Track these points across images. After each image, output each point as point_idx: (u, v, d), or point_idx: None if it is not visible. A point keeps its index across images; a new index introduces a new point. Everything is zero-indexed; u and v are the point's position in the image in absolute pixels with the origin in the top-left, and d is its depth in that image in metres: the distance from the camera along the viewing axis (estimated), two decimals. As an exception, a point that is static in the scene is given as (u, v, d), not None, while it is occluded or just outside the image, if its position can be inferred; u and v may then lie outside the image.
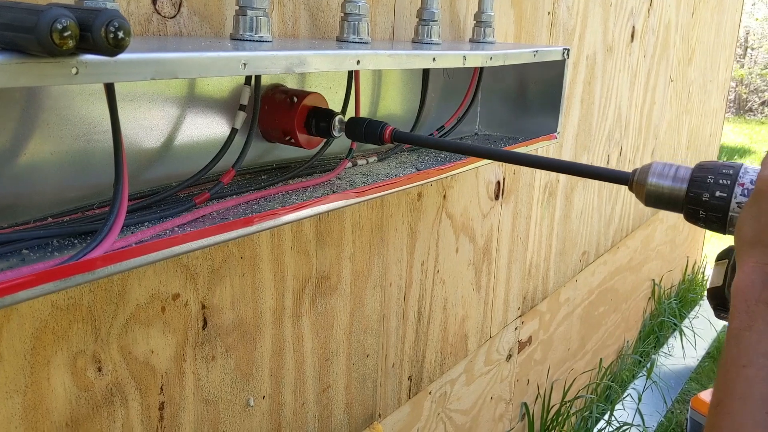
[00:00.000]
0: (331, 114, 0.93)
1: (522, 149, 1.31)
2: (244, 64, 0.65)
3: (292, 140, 0.94)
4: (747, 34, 14.85)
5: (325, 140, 1.00)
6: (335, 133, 0.93)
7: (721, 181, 0.66)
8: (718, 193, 0.65)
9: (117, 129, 0.62)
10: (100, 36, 0.48)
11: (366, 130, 0.93)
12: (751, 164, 0.68)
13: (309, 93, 0.92)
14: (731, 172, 0.66)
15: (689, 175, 0.68)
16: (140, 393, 0.86)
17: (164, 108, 0.81)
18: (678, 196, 0.69)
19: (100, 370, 0.80)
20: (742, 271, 0.59)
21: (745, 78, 14.48)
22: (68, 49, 0.47)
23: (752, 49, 15.17)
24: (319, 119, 0.93)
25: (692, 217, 0.68)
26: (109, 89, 0.61)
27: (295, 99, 0.92)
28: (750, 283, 0.57)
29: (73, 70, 0.51)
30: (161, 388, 0.88)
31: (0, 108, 0.65)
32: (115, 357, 0.82)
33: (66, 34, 0.46)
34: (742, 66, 14.65)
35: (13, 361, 0.71)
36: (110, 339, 0.81)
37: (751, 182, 0.64)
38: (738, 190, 0.65)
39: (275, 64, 0.69)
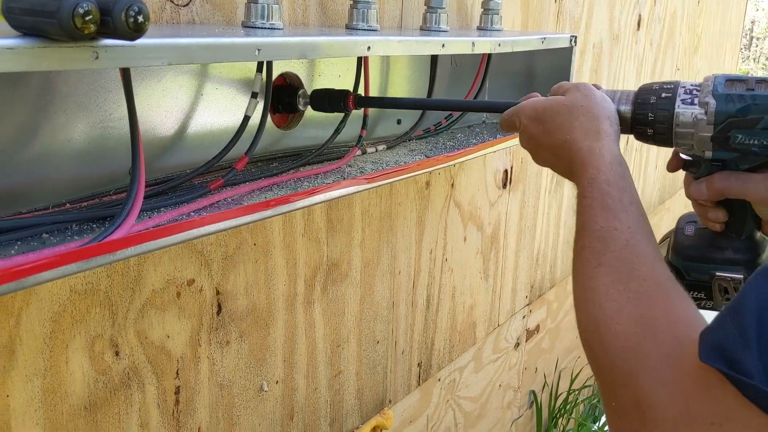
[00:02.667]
0: (294, 89, 0.97)
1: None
2: (258, 50, 0.66)
3: None
4: (752, 24, 14.77)
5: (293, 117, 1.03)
6: (301, 107, 0.97)
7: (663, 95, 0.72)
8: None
9: (133, 113, 0.63)
10: (121, 20, 0.49)
11: (330, 101, 0.96)
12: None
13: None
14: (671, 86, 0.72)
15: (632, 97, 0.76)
16: (156, 377, 0.87)
17: (179, 96, 0.82)
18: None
19: (117, 354, 0.82)
20: None
21: (751, 70, 14.41)
22: (89, 33, 0.48)
23: (758, 39, 15.09)
24: (284, 95, 0.96)
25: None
26: (126, 75, 0.62)
27: None
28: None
29: (94, 55, 0.52)
30: (177, 373, 0.90)
31: (17, 95, 0.66)
32: (131, 341, 0.83)
33: (87, 18, 0.47)
34: (748, 57, 14.58)
35: (33, 344, 0.73)
36: (127, 323, 0.82)
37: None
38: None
39: (288, 50, 0.70)
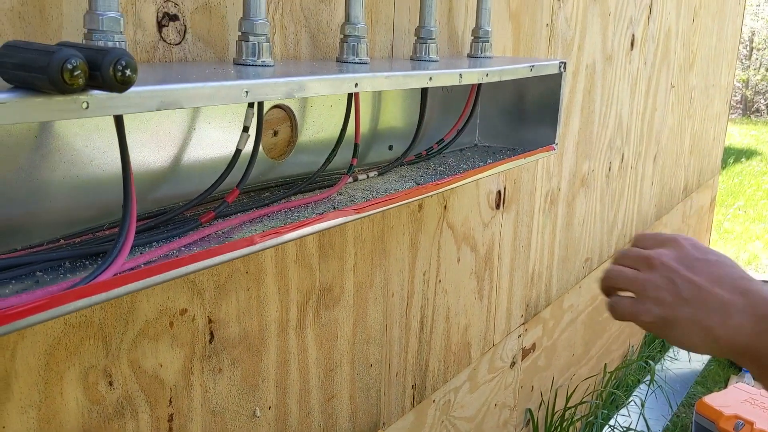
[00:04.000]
0: None
1: (521, 161, 1.34)
2: (246, 92, 0.69)
3: None
4: (752, 34, 14.85)
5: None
6: None
7: None
8: None
9: (126, 158, 0.65)
10: (109, 74, 0.51)
11: None
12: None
13: None
14: None
15: None
16: (150, 405, 0.89)
17: (171, 130, 0.84)
18: None
19: (111, 384, 0.83)
20: None
21: (751, 80, 14.47)
22: (78, 87, 0.50)
23: (758, 50, 15.16)
24: None
25: None
26: (118, 120, 0.64)
27: None
28: None
29: (84, 105, 0.54)
30: (170, 401, 0.91)
31: (15, 136, 0.68)
32: (125, 371, 0.85)
33: (76, 73, 0.50)
34: (748, 67, 14.64)
35: (28, 377, 0.74)
36: (120, 354, 0.84)
37: None
38: None
39: (275, 90, 0.73)
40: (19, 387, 0.74)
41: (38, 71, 0.49)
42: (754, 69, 14.91)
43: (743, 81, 14.17)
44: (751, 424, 2.61)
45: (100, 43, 0.65)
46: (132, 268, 0.67)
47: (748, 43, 14.65)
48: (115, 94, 0.55)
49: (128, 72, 0.52)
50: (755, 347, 0.58)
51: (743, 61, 14.49)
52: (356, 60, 0.98)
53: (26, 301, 0.56)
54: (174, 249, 0.74)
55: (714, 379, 3.63)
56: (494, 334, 1.81)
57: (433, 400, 1.57)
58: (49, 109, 0.52)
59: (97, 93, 0.54)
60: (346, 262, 1.19)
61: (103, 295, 0.60)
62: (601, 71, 2.16)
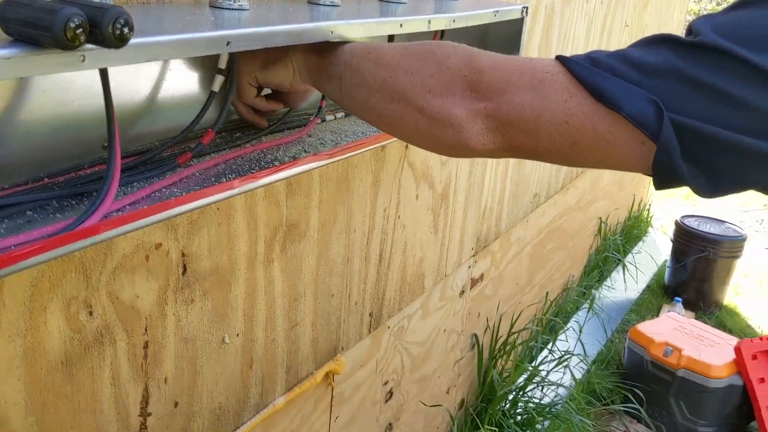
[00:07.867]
0: None
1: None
2: (228, 43, 0.71)
3: None
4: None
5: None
6: None
7: None
8: None
9: (110, 106, 0.68)
10: (108, 32, 0.54)
11: None
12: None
13: None
14: None
15: None
16: (126, 334, 0.94)
17: (149, 69, 0.86)
18: None
19: (91, 314, 0.88)
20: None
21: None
22: (79, 44, 0.53)
23: None
24: None
25: None
26: (104, 73, 0.66)
27: None
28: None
29: (80, 59, 0.56)
30: (145, 329, 0.97)
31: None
32: (104, 302, 0.89)
33: (78, 31, 0.52)
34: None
35: (15, 308, 0.78)
36: (100, 286, 0.88)
37: None
38: None
39: (255, 40, 0.75)
40: (7, 317, 0.78)
41: (42, 29, 0.51)
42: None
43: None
44: (680, 350, 2.82)
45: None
46: (119, 210, 0.71)
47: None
48: (110, 49, 0.57)
49: (126, 30, 0.54)
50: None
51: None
52: (328, 2, 1.00)
53: (25, 241, 0.59)
54: (156, 190, 0.77)
55: (647, 307, 3.86)
56: (446, 266, 1.90)
57: (388, 326, 1.66)
58: (49, 64, 0.54)
59: (92, 47, 0.57)
60: (312, 199, 1.24)
61: (98, 237, 0.64)
62: (560, 11, 2.20)
